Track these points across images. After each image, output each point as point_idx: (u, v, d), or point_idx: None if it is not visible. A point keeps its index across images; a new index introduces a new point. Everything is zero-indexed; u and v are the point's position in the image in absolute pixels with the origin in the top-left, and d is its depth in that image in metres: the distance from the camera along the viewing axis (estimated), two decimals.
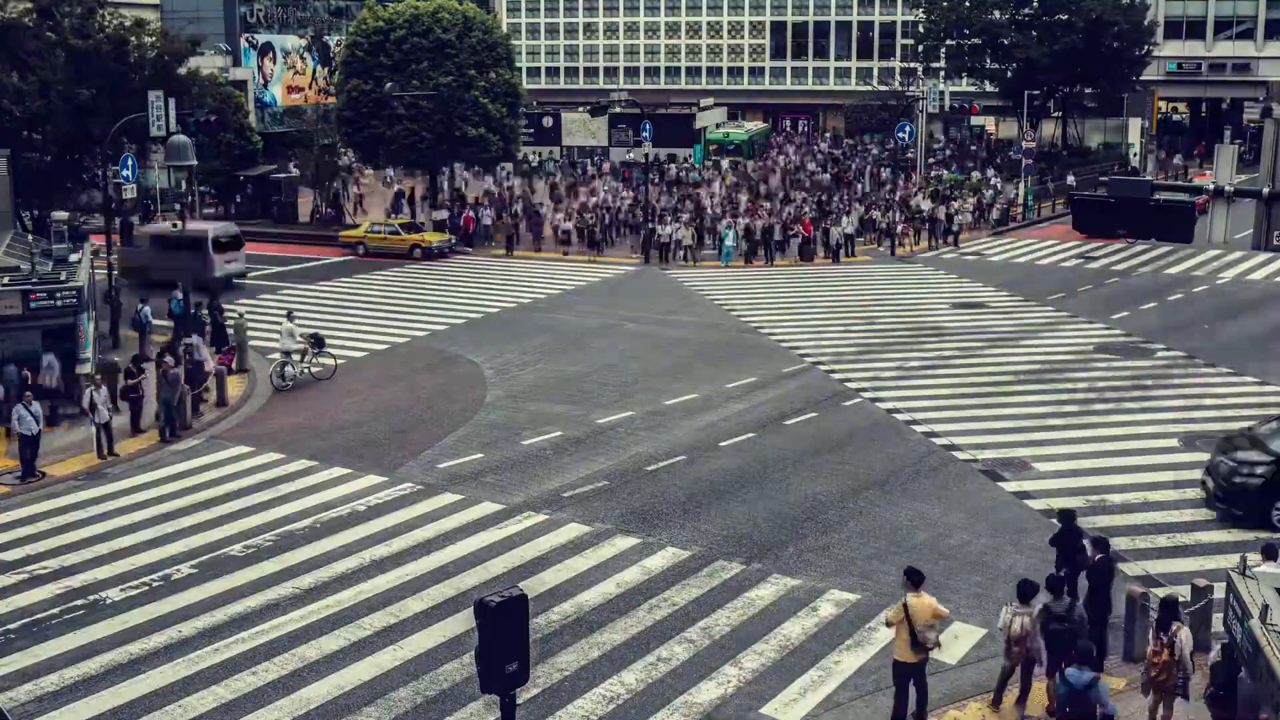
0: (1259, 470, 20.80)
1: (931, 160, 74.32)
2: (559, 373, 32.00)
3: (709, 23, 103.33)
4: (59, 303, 28.37)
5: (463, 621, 17.38)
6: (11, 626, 17.96)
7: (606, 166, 75.22)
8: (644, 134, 57.85)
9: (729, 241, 48.39)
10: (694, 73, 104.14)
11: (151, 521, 22.03)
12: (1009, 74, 71.98)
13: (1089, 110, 78.11)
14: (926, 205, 55.48)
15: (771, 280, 45.14)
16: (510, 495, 23.06)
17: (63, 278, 29.13)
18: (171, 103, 37.51)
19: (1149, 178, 52.75)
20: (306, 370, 31.57)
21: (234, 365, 31.93)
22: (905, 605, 14.74)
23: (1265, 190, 18.06)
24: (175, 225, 40.76)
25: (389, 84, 51.85)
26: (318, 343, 31.85)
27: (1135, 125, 75.92)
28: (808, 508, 22.32)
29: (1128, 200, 20.19)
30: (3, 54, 39.41)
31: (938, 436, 26.24)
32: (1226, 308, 39.53)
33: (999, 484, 23.44)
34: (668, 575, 19.48)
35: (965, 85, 79.95)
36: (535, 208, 57.04)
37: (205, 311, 34.82)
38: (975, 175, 69.16)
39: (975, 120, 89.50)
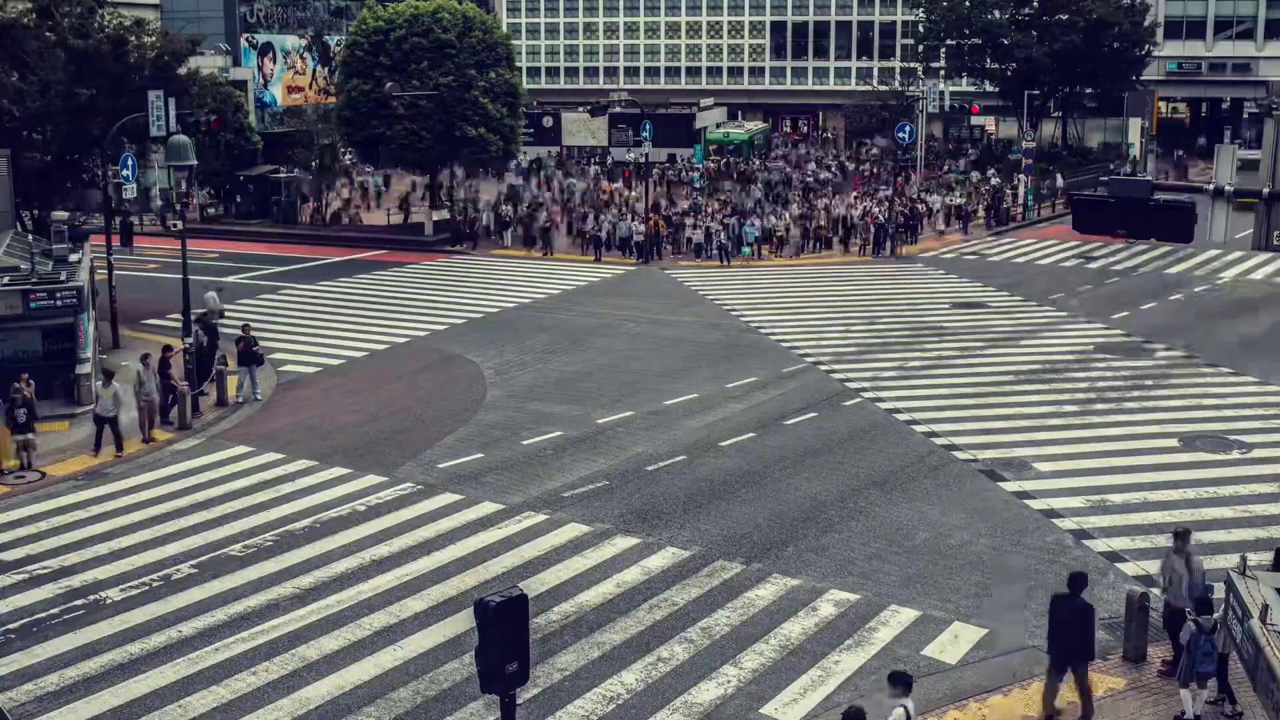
0: None
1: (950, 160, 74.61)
2: (559, 373, 32.00)
3: (709, 23, 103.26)
4: (59, 303, 28.37)
5: (463, 621, 17.37)
6: (11, 626, 17.95)
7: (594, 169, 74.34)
8: (644, 134, 57.80)
9: None
10: (694, 73, 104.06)
11: (151, 521, 22.03)
12: (1009, 74, 71.95)
13: (1089, 110, 78.08)
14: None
15: (771, 280, 45.12)
16: (510, 495, 23.06)
17: (63, 278, 29.14)
18: (171, 103, 37.47)
19: (1148, 177, 52.75)
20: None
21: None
22: None
23: (1265, 190, 18.07)
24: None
25: (389, 84, 51.81)
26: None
27: (1135, 125, 75.89)
28: (808, 508, 22.32)
29: (1127, 200, 20.17)
30: (3, 54, 39.37)
31: (938, 436, 26.23)
32: (1226, 308, 39.52)
33: (999, 484, 23.44)
34: (668, 575, 19.48)
35: (965, 85, 79.92)
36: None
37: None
38: (975, 174, 69.17)
39: (975, 120, 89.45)
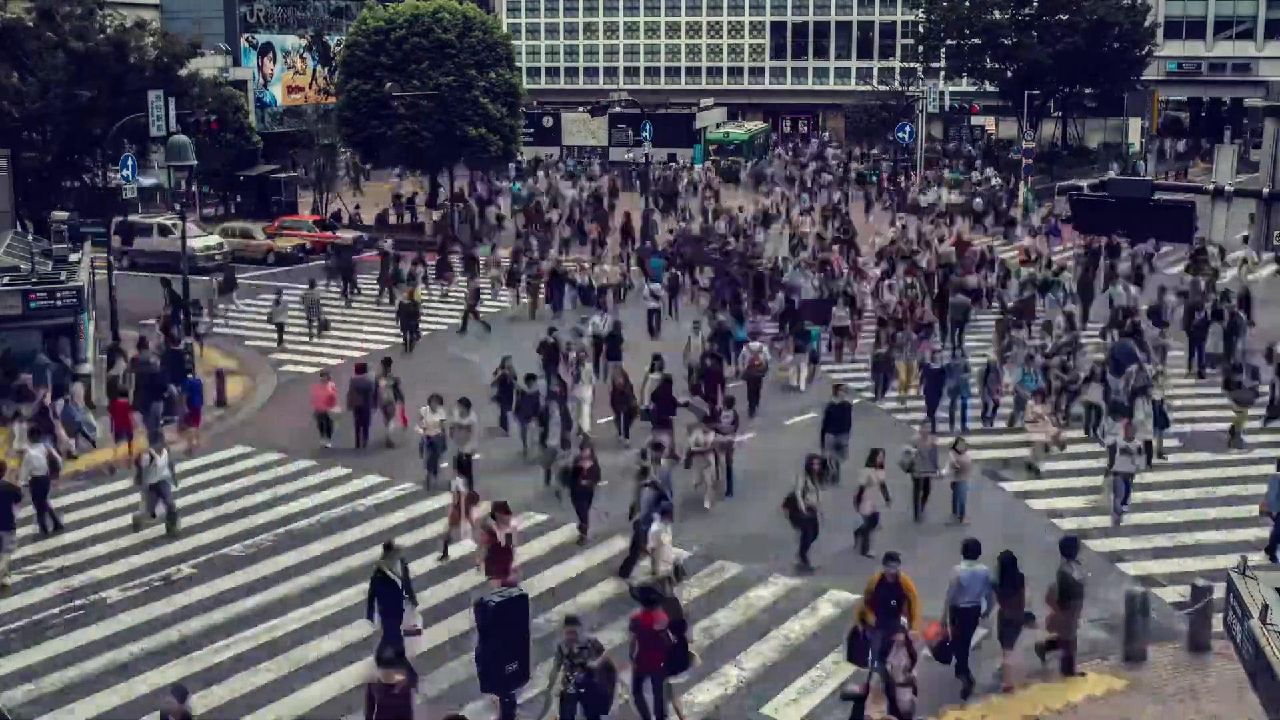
0: None
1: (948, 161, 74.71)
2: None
3: (709, 23, 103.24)
4: (59, 303, 28.38)
5: (463, 621, 17.37)
6: (11, 626, 17.97)
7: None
8: (644, 134, 57.76)
9: None
10: (694, 73, 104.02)
11: (151, 521, 22.02)
12: (1009, 74, 71.93)
13: (1089, 110, 78.07)
14: None
15: None
16: (510, 495, 23.00)
17: (63, 278, 29.16)
18: (171, 103, 37.51)
19: (1148, 177, 52.74)
20: None
21: None
22: None
23: (1265, 190, 18.06)
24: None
25: (389, 84, 51.79)
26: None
27: (1135, 125, 75.90)
28: None
29: (1127, 200, 20.14)
30: (3, 55, 39.44)
31: (938, 436, 26.16)
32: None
33: (999, 484, 23.43)
34: None
35: (965, 85, 79.92)
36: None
37: None
38: (975, 175, 69.15)
39: (975, 120, 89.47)
